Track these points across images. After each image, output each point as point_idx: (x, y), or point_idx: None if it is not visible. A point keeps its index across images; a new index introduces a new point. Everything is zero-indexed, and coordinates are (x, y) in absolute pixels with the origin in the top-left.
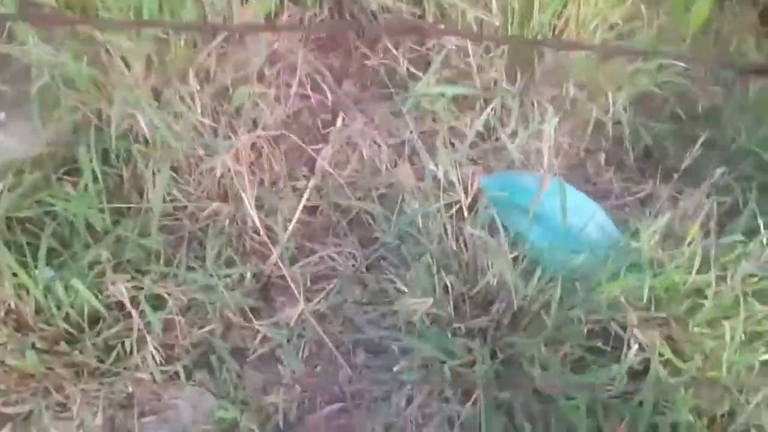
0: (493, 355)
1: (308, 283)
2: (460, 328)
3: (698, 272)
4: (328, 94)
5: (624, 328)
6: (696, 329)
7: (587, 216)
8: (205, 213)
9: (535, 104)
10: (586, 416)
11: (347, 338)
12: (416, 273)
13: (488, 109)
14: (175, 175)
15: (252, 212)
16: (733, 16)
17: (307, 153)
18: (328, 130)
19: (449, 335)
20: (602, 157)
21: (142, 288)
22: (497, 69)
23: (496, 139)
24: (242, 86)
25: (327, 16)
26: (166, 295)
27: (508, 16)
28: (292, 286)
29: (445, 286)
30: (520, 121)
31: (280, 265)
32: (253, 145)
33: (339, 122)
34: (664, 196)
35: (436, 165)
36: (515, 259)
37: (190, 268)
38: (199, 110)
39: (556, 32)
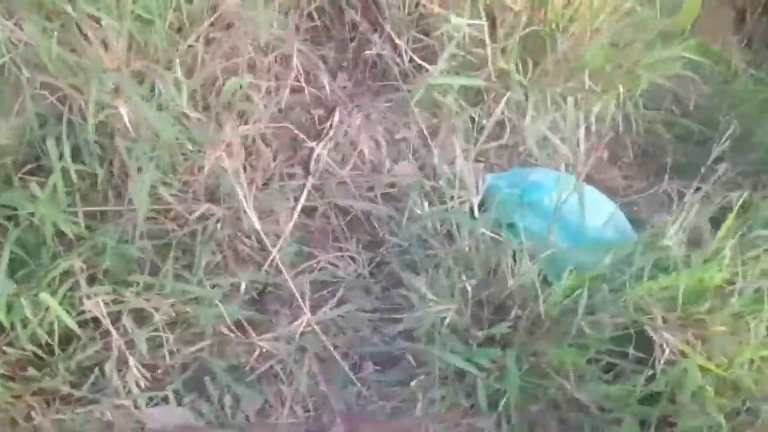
0: (518, 365)
1: (308, 292)
2: (478, 336)
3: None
4: (326, 88)
5: (650, 330)
6: (720, 327)
7: (605, 215)
8: (194, 216)
9: (548, 96)
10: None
11: (356, 351)
12: (432, 277)
13: (502, 103)
14: (159, 173)
15: (251, 214)
16: (712, 17)
17: (302, 151)
18: (323, 126)
19: (471, 344)
20: (605, 152)
21: (123, 302)
22: (508, 60)
23: (508, 133)
24: (233, 77)
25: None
26: (150, 309)
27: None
28: (297, 294)
29: (463, 291)
30: (535, 114)
31: (282, 270)
32: (244, 141)
33: (336, 117)
34: (674, 192)
35: (445, 162)
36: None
37: (177, 278)
38: (185, 101)
39: (568, 20)
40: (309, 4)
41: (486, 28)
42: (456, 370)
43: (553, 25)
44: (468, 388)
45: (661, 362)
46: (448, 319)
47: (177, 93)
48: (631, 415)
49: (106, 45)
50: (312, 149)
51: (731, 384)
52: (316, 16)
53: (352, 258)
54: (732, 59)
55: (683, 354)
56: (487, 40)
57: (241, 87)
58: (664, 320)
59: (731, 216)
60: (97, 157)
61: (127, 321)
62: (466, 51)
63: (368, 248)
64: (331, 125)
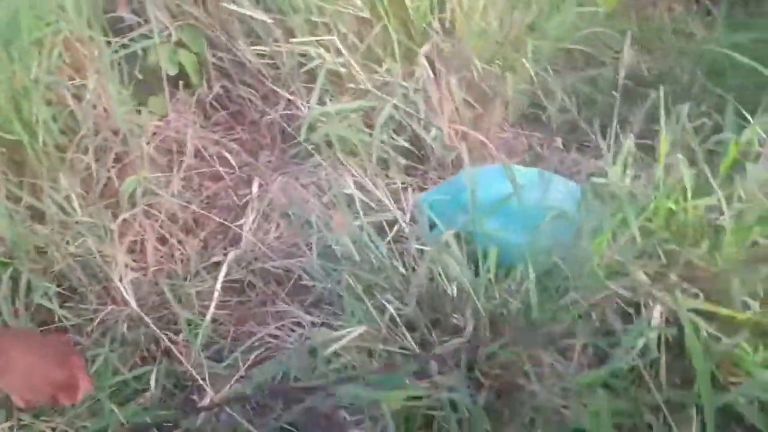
0: (479, 386)
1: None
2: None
3: (698, 196)
4: (241, 168)
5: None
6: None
7: (542, 186)
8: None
9: (444, 93)
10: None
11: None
12: (350, 305)
13: (386, 109)
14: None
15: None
16: None
17: (227, 233)
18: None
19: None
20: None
21: None
22: (389, 69)
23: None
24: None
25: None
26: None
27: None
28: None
29: (394, 317)
30: (432, 113)
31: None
32: (161, 238)
33: (255, 189)
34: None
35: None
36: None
37: None
38: (79, 212)
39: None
40: (207, 94)
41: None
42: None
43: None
44: None
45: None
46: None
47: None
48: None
49: None
50: (240, 227)
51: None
52: (218, 106)
53: (295, 323)
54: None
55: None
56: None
57: (141, 181)
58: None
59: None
60: None
61: None
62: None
63: (312, 307)
64: (249, 199)
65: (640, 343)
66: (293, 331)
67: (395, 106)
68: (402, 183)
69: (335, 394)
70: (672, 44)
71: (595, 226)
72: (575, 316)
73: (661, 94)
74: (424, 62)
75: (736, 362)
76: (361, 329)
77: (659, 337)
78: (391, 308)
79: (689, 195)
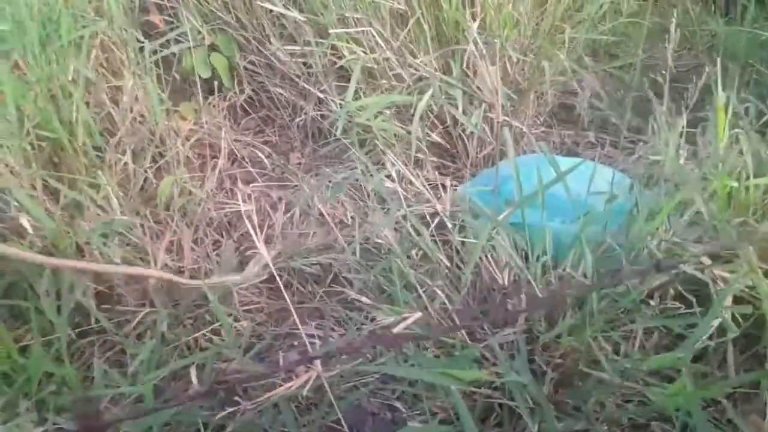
0: (542, 375)
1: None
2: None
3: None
4: (273, 169)
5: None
6: None
7: (606, 184)
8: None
9: (480, 87)
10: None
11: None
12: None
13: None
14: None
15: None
16: None
17: (262, 233)
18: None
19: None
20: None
21: None
22: (426, 63)
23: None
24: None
25: (249, 95)
26: None
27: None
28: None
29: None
30: (470, 106)
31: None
32: (196, 240)
33: (288, 189)
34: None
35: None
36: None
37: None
38: (117, 211)
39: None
40: (238, 97)
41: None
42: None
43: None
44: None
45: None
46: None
47: (108, 206)
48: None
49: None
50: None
51: None
52: (248, 109)
53: (333, 329)
54: None
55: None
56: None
57: (176, 182)
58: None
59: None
60: None
61: None
62: (382, 69)
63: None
64: (282, 199)
65: (715, 324)
66: (333, 330)
67: (433, 97)
68: (438, 178)
69: (383, 389)
70: (698, 39)
71: (652, 209)
72: (634, 301)
73: (718, 67)
74: (470, 47)
75: None
76: (417, 314)
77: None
78: (442, 295)
79: (750, 173)
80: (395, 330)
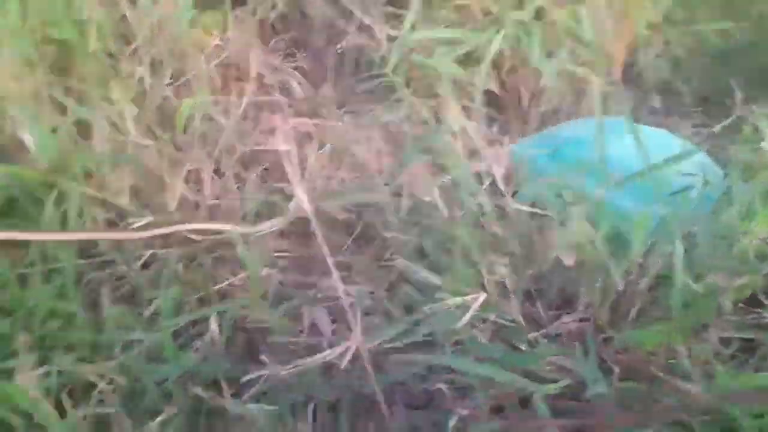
0: (607, 371)
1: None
2: (536, 339)
3: None
4: (303, 100)
5: None
6: None
7: (671, 149)
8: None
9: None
10: None
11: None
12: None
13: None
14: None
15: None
16: None
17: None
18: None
19: (528, 350)
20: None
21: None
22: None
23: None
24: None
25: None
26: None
27: None
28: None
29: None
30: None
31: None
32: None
33: (318, 124)
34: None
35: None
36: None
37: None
38: (132, 131)
39: None
40: (269, 11)
41: None
42: (517, 390)
43: None
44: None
45: None
46: (479, 323)
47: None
48: None
49: None
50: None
51: None
52: (277, 27)
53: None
54: None
55: None
56: None
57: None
58: None
59: None
60: None
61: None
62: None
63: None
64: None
65: None
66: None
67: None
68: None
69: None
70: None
71: (747, 199)
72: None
73: None
74: None
75: None
76: (483, 295)
77: None
78: (504, 271)
79: None
80: (463, 320)
